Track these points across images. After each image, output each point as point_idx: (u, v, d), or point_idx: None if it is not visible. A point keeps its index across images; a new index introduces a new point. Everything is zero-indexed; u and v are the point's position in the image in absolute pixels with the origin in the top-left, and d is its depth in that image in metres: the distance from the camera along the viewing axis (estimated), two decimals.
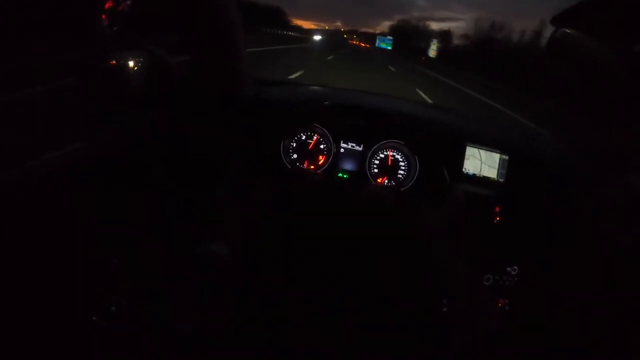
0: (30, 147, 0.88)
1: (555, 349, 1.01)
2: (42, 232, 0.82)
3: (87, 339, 0.82)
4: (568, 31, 0.61)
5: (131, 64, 0.91)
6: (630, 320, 0.98)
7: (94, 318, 0.85)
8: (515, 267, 1.06)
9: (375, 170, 1.09)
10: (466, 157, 1.10)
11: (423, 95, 10.29)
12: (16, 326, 0.74)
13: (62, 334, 0.80)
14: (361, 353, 0.90)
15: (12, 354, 0.72)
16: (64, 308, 0.82)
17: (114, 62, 0.92)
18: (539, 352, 1.00)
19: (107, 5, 0.97)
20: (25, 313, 0.76)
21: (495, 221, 1.02)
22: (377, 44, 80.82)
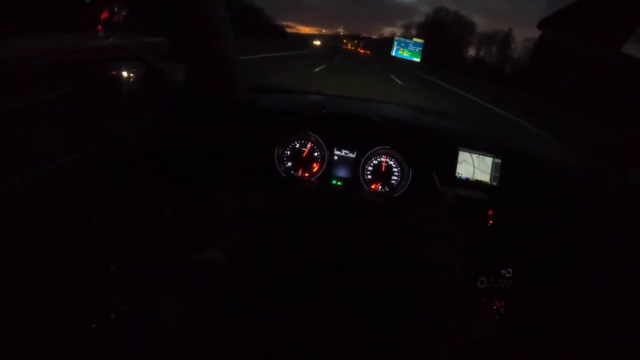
0: (28, 156, 0.89)
1: (551, 351, 1.01)
2: (41, 240, 0.83)
3: (86, 346, 0.82)
4: (555, 34, 0.62)
5: (126, 73, 0.93)
6: (628, 322, 0.98)
7: (94, 325, 0.86)
8: (510, 270, 1.07)
9: (369, 177, 1.10)
10: (459, 161, 1.11)
11: None
12: (16, 334, 0.75)
13: (61, 341, 0.81)
14: (357, 356, 0.91)
15: None
16: (63, 315, 0.83)
17: (110, 72, 0.93)
18: (535, 354, 1.01)
19: (103, 16, 0.99)
20: (25, 321, 0.77)
21: (489, 224, 1.03)
22: (394, 52, 46.84)
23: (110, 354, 0.77)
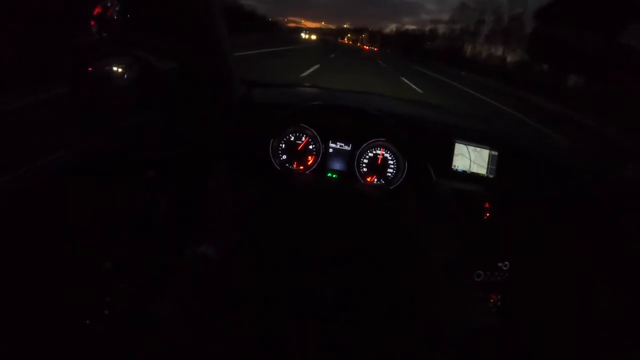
0: (23, 153, 0.88)
1: (548, 344, 1.02)
2: (36, 237, 0.83)
3: (81, 343, 0.82)
4: (551, 26, 0.61)
5: (120, 70, 0.92)
6: (625, 318, 0.99)
7: (88, 322, 0.86)
8: (507, 263, 1.07)
9: (364, 169, 1.10)
10: (455, 154, 1.11)
11: None
12: (10, 330, 0.74)
13: (56, 337, 0.80)
14: (353, 352, 0.91)
15: (6, 358, 0.73)
16: (57, 312, 0.83)
17: (104, 68, 0.92)
18: (532, 347, 1.01)
19: (96, 11, 0.97)
20: (19, 317, 0.77)
21: (485, 217, 1.03)
22: None
23: (105, 351, 0.77)
